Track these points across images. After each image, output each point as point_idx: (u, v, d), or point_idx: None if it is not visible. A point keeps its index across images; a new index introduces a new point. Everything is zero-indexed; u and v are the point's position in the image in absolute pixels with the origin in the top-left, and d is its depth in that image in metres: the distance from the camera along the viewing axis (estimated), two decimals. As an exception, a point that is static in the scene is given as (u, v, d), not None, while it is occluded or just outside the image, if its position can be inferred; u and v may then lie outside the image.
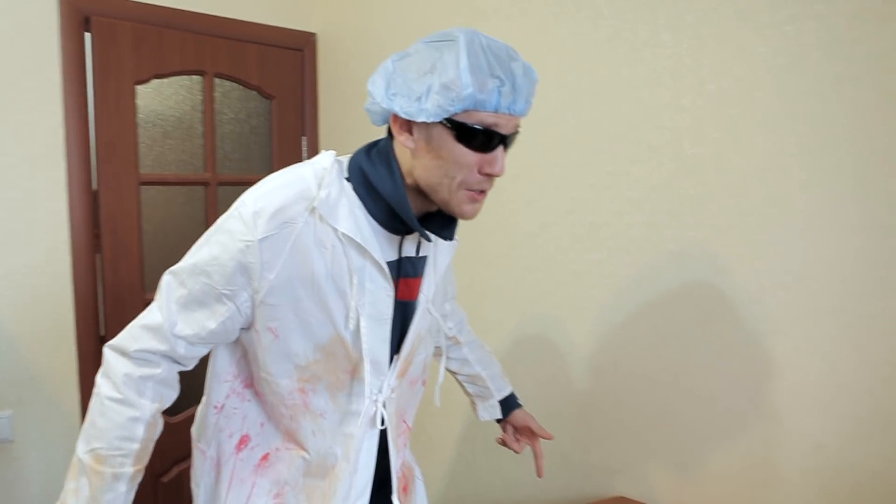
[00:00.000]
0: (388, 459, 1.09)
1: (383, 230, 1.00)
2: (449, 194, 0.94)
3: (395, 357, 1.06)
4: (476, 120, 0.89)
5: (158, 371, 0.99)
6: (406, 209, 0.96)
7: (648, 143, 1.49)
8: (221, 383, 1.09)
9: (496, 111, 0.89)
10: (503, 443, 1.39)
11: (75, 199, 1.94)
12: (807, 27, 1.24)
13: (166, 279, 1.00)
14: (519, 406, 1.40)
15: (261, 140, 2.35)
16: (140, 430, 0.98)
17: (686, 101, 1.42)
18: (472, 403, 1.41)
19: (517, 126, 0.94)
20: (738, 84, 1.34)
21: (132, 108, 2.02)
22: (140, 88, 2.05)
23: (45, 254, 1.92)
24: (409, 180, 0.97)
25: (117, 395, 0.97)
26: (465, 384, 1.41)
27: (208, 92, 2.18)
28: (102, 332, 2.03)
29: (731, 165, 1.36)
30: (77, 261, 1.95)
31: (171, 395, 1.04)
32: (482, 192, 0.96)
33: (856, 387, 1.23)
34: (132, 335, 0.99)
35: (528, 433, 1.36)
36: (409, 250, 1.05)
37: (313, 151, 2.37)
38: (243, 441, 1.08)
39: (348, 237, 0.96)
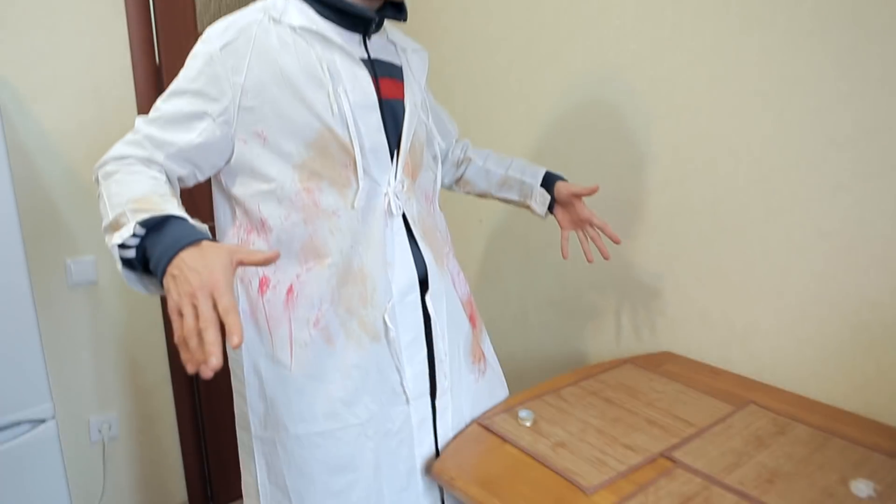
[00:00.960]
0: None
1: (341, 29, 1.08)
2: None
3: (397, 152, 1.12)
4: None
5: (152, 164, 1.00)
6: None
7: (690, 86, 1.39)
8: (226, 238, 1.13)
9: None
10: (560, 224, 1.40)
11: (137, 56, 2.00)
12: None
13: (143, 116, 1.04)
14: (559, 178, 1.39)
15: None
16: (166, 187, 0.96)
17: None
18: (529, 208, 1.41)
19: None
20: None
21: (187, -38, 2.01)
22: (194, -59, 2.02)
23: (113, 111, 2.00)
24: None
25: (122, 171, 0.96)
26: (505, 196, 1.43)
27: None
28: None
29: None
30: (143, 112, 2.02)
31: (175, 189, 1.03)
32: None
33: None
34: (111, 152, 1.01)
35: (576, 207, 1.36)
36: (377, 53, 1.13)
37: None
38: (263, 283, 1.09)
39: (305, 28, 1.03)
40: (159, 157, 1.00)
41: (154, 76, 2.02)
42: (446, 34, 2.11)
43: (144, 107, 2.00)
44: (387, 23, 1.18)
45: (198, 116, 1.01)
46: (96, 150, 1.97)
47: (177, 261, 0.81)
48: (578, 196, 1.36)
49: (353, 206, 1.06)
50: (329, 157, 1.04)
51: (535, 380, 1.99)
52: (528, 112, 1.89)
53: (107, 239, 0.89)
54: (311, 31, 1.03)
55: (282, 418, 1.10)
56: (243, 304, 1.11)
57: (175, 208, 0.90)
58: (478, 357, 1.29)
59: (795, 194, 1.33)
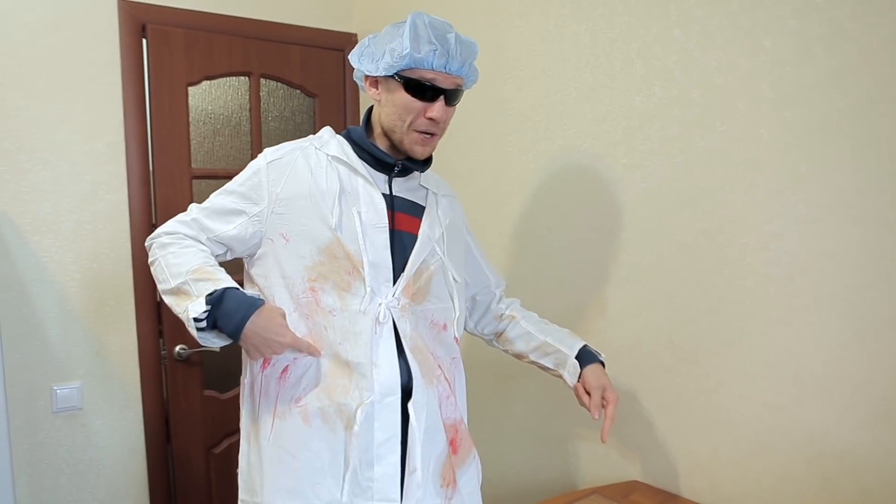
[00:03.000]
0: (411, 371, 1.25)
1: (367, 167, 1.31)
2: (402, 135, 1.26)
3: (402, 274, 1.28)
4: (419, 75, 1.21)
5: (198, 240, 1.28)
6: (365, 140, 1.30)
7: (660, 136, 1.53)
8: None
9: (433, 69, 1.21)
10: (577, 395, 1.37)
11: (134, 191, 2.12)
12: (809, 21, 1.26)
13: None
14: (595, 360, 1.40)
15: (304, 136, 2.48)
16: (212, 259, 1.24)
17: (695, 94, 1.45)
18: (561, 377, 1.42)
19: (458, 84, 1.26)
20: (744, 78, 1.37)
21: (185, 107, 2.18)
22: (192, 89, 2.21)
23: (109, 241, 2.11)
24: (379, 129, 1.30)
25: (176, 244, 1.25)
26: (540, 361, 1.45)
27: (255, 91, 2.33)
28: (159, 312, 2.21)
29: (737, 157, 1.39)
30: (136, 247, 2.13)
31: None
32: (430, 135, 1.27)
33: (858, 376, 1.24)
34: (165, 227, 1.29)
35: (600, 391, 1.34)
36: (401, 192, 1.33)
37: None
38: (266, 360, 1.25)
39: (336, 157, 1.29)
40: (202, 238, 1.27)
41: (148, 210, 2.15)
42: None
43: (138, 239, 2.11)
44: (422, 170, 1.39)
45: (237, 213, 1.27)
46: (91, 280, 2.07)
47: (248, 331, 1.15)
48: (607, 396, 1.34)
49: (352, 308, 1.23)
50: (336, 262, 1.23)
51: (512, 506, 1.98)
52: (494, 240, 1.99)
53: (168, 301, 1.20)
54: (343, 161, 1.29)
55: (255, 485, 1.26)
56: (247, 377, 1.31)
57: (228, 279, 1.19)
58: (448, 481, 1.30)
59: (743, 326, 1.40)
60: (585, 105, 1.70)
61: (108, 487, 2.16)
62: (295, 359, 1.24)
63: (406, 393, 1.24)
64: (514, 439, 1.99)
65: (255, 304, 1.17)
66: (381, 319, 1.23)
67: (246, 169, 1.31)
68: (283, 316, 1.19)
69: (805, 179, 1.29)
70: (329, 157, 1.29)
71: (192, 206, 1.32)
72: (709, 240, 1.45)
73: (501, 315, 1.53)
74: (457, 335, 1.38)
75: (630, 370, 1.63)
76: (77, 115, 2.04)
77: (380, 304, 1.24)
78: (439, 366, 1.31)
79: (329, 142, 1.32)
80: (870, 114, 1.19)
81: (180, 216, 1.30)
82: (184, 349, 2.22)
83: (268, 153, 1.31)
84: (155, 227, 2.21)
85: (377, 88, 1.28)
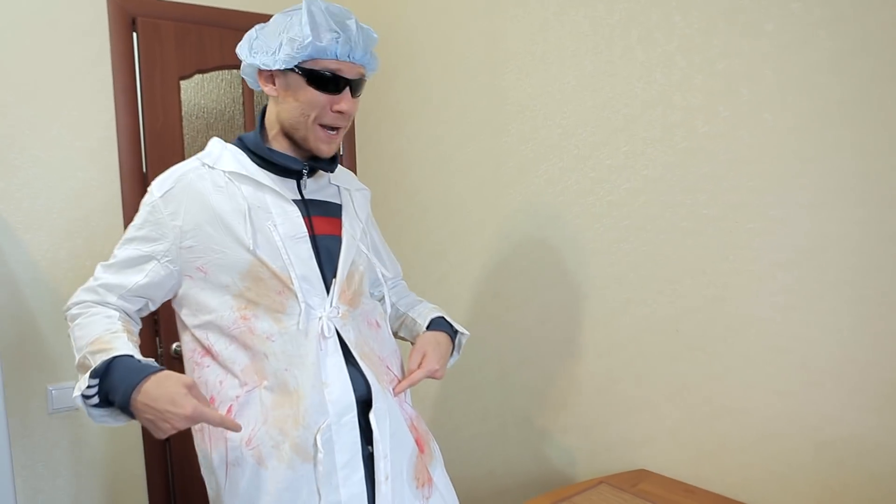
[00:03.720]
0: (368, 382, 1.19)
1: (274, 175, 1.21)
2: (306, 131, 1.17)
3: (334, 280, 1.21)
4: (322, 66, 1.12)
5: (108, 306, 1.18)
6: (260, 146, 1.20)
7: (662, 123, 1.51)
8: (187, 364, 1.23)
9: (336, 58, 1.12)
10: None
11: (127, 186, 2.09)
12: (811, 4, 1.25)
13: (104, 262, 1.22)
14: (441, 328, 1.37)
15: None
16: (118, 325, 1.13)
17: (697, 80, 1.44)
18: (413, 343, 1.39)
19: (361, 74, 1.17)
20: (746, 62, 1.35)
21: (177, 101, 2.15)
22: (184, 83, 2.18)
23: (102, 238, 2.08)
24: (277, 128, 1.21)
25: (83, 315, 1.15)
26: (400, 333, 1.46)
27: (247, 85, 2.29)
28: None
29: (741, 142, 1.38)
30: (130, 245, 2.10)
31: (134, 326, 1.21)
32: (336, 130, 1.19)
33: (865, 360, 1.24)
34: (74, 297, 1.21)
35: (421, 354, 1.30)
36: (313, 194, 1.26)
37: (348, 140, 2.47)
38: (211, 402, 1.16)
39: (234, 173, 1.18)
40: (112, 299, 1.17)
41: (142, 205, 2.12)
42: (414, 163, 2.24)
43: (132, 235, 2.08)
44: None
45: (144, 260, 1.17)
46: (84, 278, 2.03)
47: (139, 403, 1.01)
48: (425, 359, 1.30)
49: (291, 329, 1.15)
50: (263, 285, 1.15)
51: (516, 498, 1.97)
52: (494, 231, 1.98)
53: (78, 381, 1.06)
54: (242, 175, 1.18)
55: None
56: (199, 424, 1.19)
57: (126, 346, 1.07)
58: (423, 481, 1.27)
59: (750, 313, 1.39)
60: (585, 93, 1.68)
61: (107, 488, 2.13)
62: (237, 397, 1.13)
63: (364, 404, 1.18)
64: (517, 431, 1.98)
65: (146, 370, 1.02)
66: (326, 334, 1.16)
67: (139, 210, 1.19)
68: (189, 386, 1.01)
69: (809, 164, 1.28)
70: (227, 175, 1.17)
71: (98, 267, 1.21)
72: (714, 226, 1.44)
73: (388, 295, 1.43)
74: (389, 330, 1.35)
75: (636, 358, 1.62)
76: (68, 110, 2.00)
77: (320, 319, 1.16)
78: (387, 367, 1.27)
79: (222, 156, 1.20)
80: (872, 97, 1.18)
81: (88, 282, 1.21)
82: (181, 344, 2.19)
83: (156, 186, 1.17)
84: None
85: (274, 84, 1.17)
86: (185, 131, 2.19)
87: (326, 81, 1.13)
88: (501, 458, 2.03)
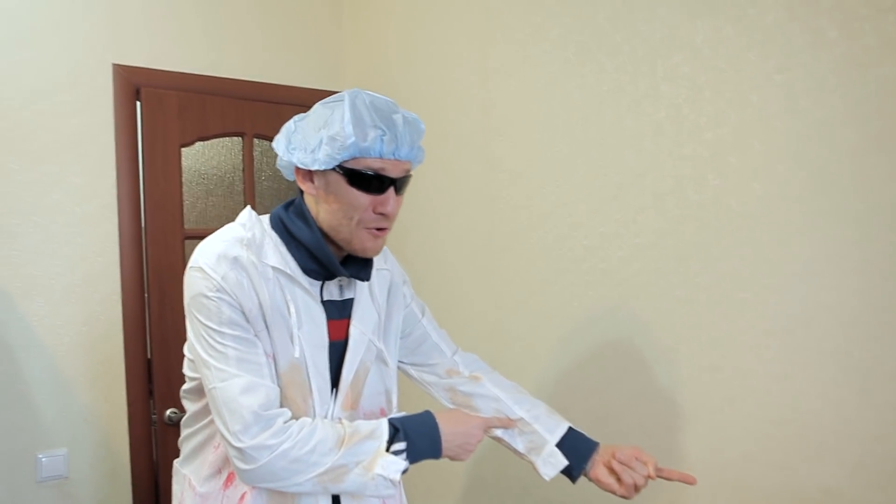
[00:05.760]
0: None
1: (307, 276, 1.12)
2: (350, 234, 1.08)
3: (335, 390, 1.15)
4: (364, 166, 1.03)
5: (286, 415, 1.06)
6: (325, 251, 1.09)
7: (653, 191, 1.52)
8: (196, 438, 1.18)
9: (381, 157, 1.03)
10: (598, 483, 1.21)
11: (126, 252, 2.11)
12: (794, 75, 1.27)
13: (208, 376, 1.05)
14: (594, 442, 1.26)
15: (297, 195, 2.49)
16: (333, 435, 1.05)
17: (687, 149, 1.45)
18: (532, 464, 1.25)
19: (406, 170, 1.09)
20: (734, 132, 1.37)
21: (178, 168, 2.19)
22: (185, 150, 2.22)
23: (100, 303, 2.08)
24: (318, 226, 1.10)
25: (297, 447, 1.01)
26: (509, 441, 1.27)
27: (248, 152, 2.34)
28: (149, 374, 2.17)
29: (731, 211, 1.38)
30: (127, 310, 2.11)
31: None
32: (381, 229, 1.09)
33: (863, 432, 1.21)
34: (235, 412, 1.01)
35: (633, 461, 1.19)
36: (329, 295, 1.16)
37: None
38: (230, 478, 1.12)
39: (277, 269, 1.08)
40: (274, 388, 1.06)
41: (140, 271, 2.13)
42: (407, 231, 2.25)
43: (129, 301, 2.09)
44: None
45: (251, 343, 1.06)
46: (80, 343, 2.04)
47: (446, 443, 1.10)
48: (645, 460, 1.21)
49: None
50: (293, 388, 1.09)
51: (514, 573, 1.89)
52: (487, 299, 1.97)
53: (320, 482, 1.02)
54: (284, 273, 1.09)
55: None
56: (203, 488, 1.14)
57: (370, 423, 1.08)
58: None
59: (747, 383, 1.36)
60: (577, 161, 1.70)
61: (94, 561, 2.07)
62: (245, 493, 1.11)
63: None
64: (514, 503, 1.92)
65: (428, 417, 1.11)
66: None
67: (200, 298, 1.04)
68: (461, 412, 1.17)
69: (801, 232, 1.27)
70: (270, 269, 1.08)
71: (227, 376, 1.03)
72: (707, 294, 1.43)
73: (457, 371, 1.35)
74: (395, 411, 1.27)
75: (630, 432, 1.59)
76: (70, 177, 2.04)
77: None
78: None
79: (264, 246, 1.09)
80: (859, 164, 1.19)
81: (233, 386, 1.02)
82: (175, 413, 2.17)
83: (207, 269, 1.04)
84: (146, 287, 2.20)
85: (312, 181, 1.08)
86: (184, 197, 2.22)
87: (370, 181, 1.04)
88: (499, 489, 1.97)
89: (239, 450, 0.99)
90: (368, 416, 1.20)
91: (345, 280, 1.18)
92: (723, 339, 1.40)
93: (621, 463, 1.20)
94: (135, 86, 2.12)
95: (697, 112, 1.43)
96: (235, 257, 1.05)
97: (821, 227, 1.25)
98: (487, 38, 1.95)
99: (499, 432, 1.27)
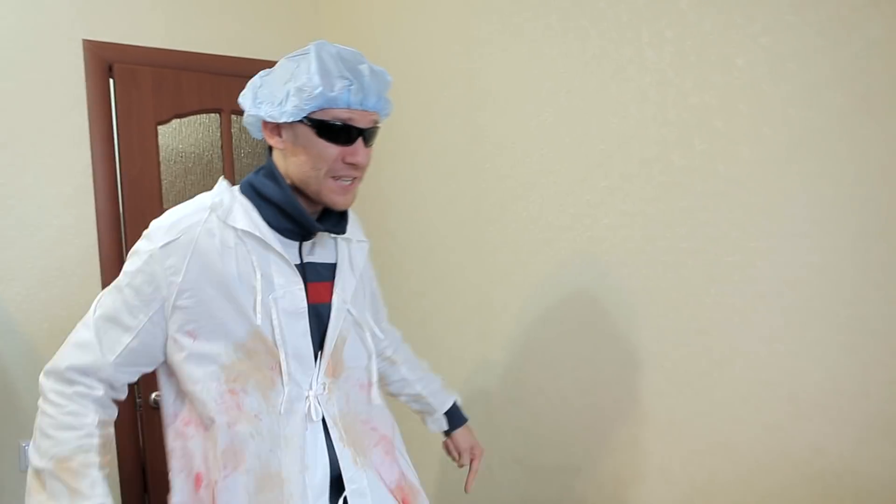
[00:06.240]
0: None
1: (280, 236, 1.11)
2: (319, 185, 1.07)
3: (320, 354, 1.13)
4: (332, 116, 1.03)
5: (91, 392, 1.05)
6: (295, 205, 1.08)
7: (639, 158, 1.52)
8: (168, 427, 1.14)
9: (349, 107, 1.03)
10: (447, 449, 1.52)
11: (104, 233, 2.06)
12: (780, 37, 1.27)
13: (93, 304, 1.09)
14: (463, 421, 1.51)
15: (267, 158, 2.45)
16: (95, 432, 1.04)
17: (672, 114, 1.45)
18: (422, 418, 1.52)
19: (374, 121, 1.09)
20: (720, 96, 1.37)
21: (155, 147, 2.14)
22: (161, 128, 2.17)
23: (79, 287, 2.04)
24: (289, 182, 1.10)
25: (57, 407, 1.03)
26: (409, 404, 1.50)
27: (226, 129, 2.29)
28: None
29: (718, 175, 1.38)
30: (107, 293, 2.06)
31: (112, 412, 1.10)
32: (351, 181, 1.09)
33: (853, 391, 1.23)
34: (60, 363, 1.06)
35: (469, 452, 1.50)
36: (310, 256, 1.16)
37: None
38: (197, 482, 1.08)
39: (247, 233, 1.07)
40: (105, 373, 1.05)
41: (119, 253, 2.09)
42: (392, 203, 2.23)
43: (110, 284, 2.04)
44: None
45: (132, 315, 1.04)
46: (59, 328, 1.99)
47: None
48: (475, 453, 1.51)
49: (277, 411, 1.07)
50: (257, 359, 1.07)
51: (507, 542, 1.92)
52: (474, 269, 1.96)
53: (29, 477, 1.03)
54: (254, 236, 1.07)
55: None
56: (182, 498, 1.10)
57: (88, 487, 1.00)
58: None
59: (735, 346, 1.38)
60: (562, 129, 1.69)
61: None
62: (216, 481, 1.05)
63: (337, 480, 1.13)
64: (504, 472, 1.93)
65: None
66: (313, 416, 1.10)
67: (133, 256, 1.06)
68: None
69: (788, 195, 1.28)
70: (236, 231, 1.06)
71: (81, 328, 1.07)
72: (694, 259, 1.43)
73: (384, 354, 1.44)
74: (377, 389, 1.27)
75: (621, 395, 1.60)
76: (43, 157, 1.98)
77: (307, 398, 1.10)
78: (372, 428, 1.22)
79: (233, 209, 1.08)
80: (847, 126, 1.19)
81: (79, 335, 1.06)
82: (160, 396, 2.14)
83: (157, 233, 1.04)
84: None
85: (280, 136, 1.08)
86: (162, 176, 2.18)
87: (338, 132, 1.04)
88: (488, 500, 1.98)
89: (42, 379, 1.07)
90: (353, 386, 1.20)
91: (325, 243, 1.18)
92: (711, 304, 1.41)
93: (457, 446, 1.50)
94: (107, 62, 2.06)
95: (683, 77, 1.43)
96: (191, 224, 1.05)
97: (808, 189, 1.26)
98: (470, 6, 1.92)
99: (403, 398, 1.49)
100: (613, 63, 1.55)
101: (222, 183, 1.14)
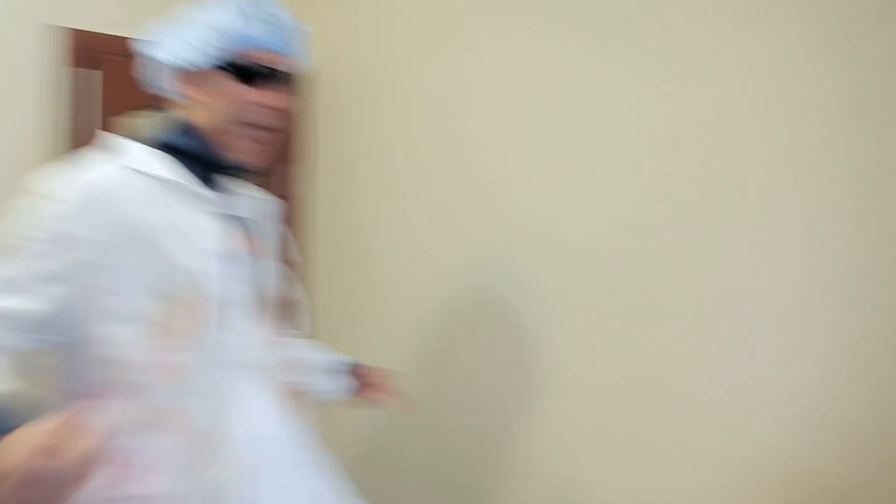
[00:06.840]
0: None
1: (199, 182, 1.05)
2: (232, 137, 1.04)
3: (262, 306, 1.10)
4: (251, 59, 1.02)
5: None
6: (205, 143, 1.04)
7: (625, 163, 1.55)
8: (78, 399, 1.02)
9: (267, 49, 1.02)
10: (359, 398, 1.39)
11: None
12: (770, 44, 1.31)
13: None
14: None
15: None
16: None
17: (660, 120, 1.48)
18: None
19: (292, 66, 1.07)
20: (707, 104, 1.41)
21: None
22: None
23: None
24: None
25: None
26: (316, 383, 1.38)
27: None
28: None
29: (683, 181, 1.44)
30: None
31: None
32: (266, 132, 1.06)
33: (803, 391, 1.29)
34: None
35: (368, 380, 1.38)
36: (233, 207, 1.10)
37: (297, 183, 2.39)
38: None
39: (165, 179, 1.01)
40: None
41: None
42: (366, 206, 2.20)
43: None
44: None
45: (47, 280, 0.93)
46: None
47: None
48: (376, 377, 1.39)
49: (217, 363, 1.02)
50: (184, 311, 1.00)
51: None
52: (449, 273, 1.95)
53: None
54: (172, 182, 1.02)
55: None
56: None
57: None
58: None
59: (697, 349, 1.43)
60: (546, 133, 1.70)
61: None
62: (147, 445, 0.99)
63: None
64: (467, 478, 1.91)
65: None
66: (253, 368, 1.05)
67: (34, 216, 0.96)
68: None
69: (746, 200, 1.35)
70: (153, 179, 1.00)
71: None
72: (659, 266, 1.48)
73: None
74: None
75: (584, 407, 1.62)
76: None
77: (246, 350, 1.05)
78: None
79: (145, 158, 1.02)
80: (844, 134, 1.23)
81: None
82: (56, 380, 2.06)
83: (67, 191, 0.96)
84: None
85: (192, 84, 1.03)
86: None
87: (256, 74, 1.02)
88: None
89: None
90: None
91: (248, 199, 1.15)
92: (673, 310, 1.46)
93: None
94: (72, 51, 2.00)
95: (673, 84, 1.46)
96: (102, 178, 0.98)
97: (767, 195, 1.32)
98: (454, 11, 1.93)
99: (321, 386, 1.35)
100: (604, 68, 1.58)
101: (122, 139, 1.05)
